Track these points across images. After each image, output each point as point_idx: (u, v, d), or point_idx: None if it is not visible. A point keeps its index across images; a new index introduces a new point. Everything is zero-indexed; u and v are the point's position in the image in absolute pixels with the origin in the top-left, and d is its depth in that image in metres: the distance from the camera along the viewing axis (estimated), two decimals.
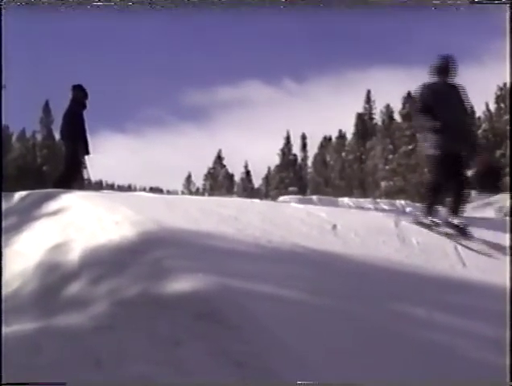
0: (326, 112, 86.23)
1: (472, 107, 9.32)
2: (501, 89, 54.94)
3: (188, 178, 77.01)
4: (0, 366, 3.15)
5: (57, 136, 36.61)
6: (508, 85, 47.89)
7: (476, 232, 6.93)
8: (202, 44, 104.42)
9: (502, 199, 22.59)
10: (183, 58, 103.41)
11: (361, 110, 64.02)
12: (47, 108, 59.81)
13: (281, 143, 68.96)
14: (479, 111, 57.32)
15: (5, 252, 5.81)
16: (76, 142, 11.32)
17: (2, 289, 4.64)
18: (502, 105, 54.58)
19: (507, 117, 51.82)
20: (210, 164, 73.38)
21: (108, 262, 4.95)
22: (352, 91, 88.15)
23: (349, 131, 65.19)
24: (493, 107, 56.53)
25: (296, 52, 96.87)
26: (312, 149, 69.50)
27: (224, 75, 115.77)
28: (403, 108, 57.75)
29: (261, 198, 29.97)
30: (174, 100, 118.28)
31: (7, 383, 3.31)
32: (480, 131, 54.41)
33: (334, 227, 6.54)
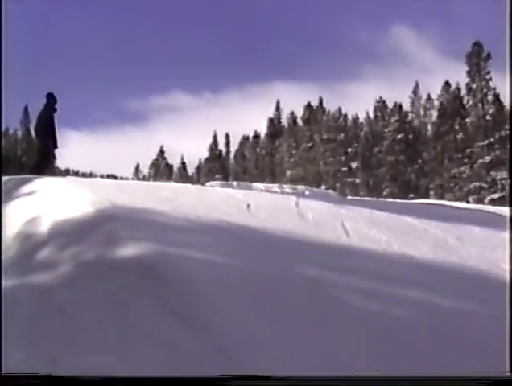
0: (244, 116, 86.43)
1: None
2: (378, 102, 56.28)
3: (137, 168, 77.30)
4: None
5: (33, 133, 35.94)
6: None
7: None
8: (135, 57, 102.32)
9: None
10: (122, 69, 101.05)
11: (271, 116, 64.53)
12: (26, 112, 58.97)
13: (209, 140, 69.22)
14: (361, 118, 58.72)
15: None
16: (47, 138, 11.14)
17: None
18: (378, 114, 55.97)
19: (382, 122, 53.23)
20: (154, 156, 73.77)
21: (71, 233, 4.88)
22: (263, 100, 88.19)
23: (263, 132, 65.74)
24: (372, 115, 57.85)
25: (214, 67, 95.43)
26: (234, 146, 70.12)
27: (155, 86, 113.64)
28: (304, 114, 58.61)
29: (193, 183, 29.88)
30: (116, 105, 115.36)
31: None
32: (362, 133, 55.74)
33: (248, 206, 6.54)
